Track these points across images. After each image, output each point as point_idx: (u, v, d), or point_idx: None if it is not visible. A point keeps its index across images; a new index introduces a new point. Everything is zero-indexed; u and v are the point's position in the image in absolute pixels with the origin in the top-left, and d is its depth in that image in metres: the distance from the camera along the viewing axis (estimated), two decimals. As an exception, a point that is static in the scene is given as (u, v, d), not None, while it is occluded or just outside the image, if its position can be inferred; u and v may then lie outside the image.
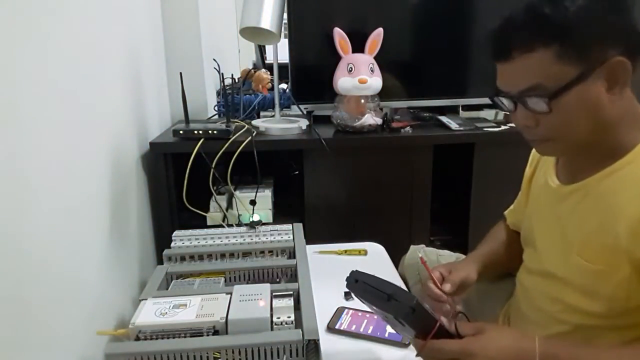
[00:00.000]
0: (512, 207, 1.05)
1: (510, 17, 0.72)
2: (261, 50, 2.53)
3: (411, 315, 0.65)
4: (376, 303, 0.67)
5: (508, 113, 0.82)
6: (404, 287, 1.08)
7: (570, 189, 0.80)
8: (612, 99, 0.70)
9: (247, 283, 1.03)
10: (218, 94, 1.97)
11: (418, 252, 1.18)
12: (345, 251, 1.28)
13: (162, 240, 1.36)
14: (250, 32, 1.43)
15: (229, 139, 1.39)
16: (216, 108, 1.87)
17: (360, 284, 0.68)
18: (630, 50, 0.68)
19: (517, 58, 0.71)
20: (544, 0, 0.69)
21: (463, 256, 1.08)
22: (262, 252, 1.11)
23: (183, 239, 1.14)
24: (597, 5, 0.68)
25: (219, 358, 0.76)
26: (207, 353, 0.76)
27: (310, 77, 1.59)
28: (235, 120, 1.60)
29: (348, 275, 0.70)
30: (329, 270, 1.07)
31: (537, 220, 0.90)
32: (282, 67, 1.56)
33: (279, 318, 0.81)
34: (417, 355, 0.70)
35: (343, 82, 1.47)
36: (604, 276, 0.72)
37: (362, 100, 1.50)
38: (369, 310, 0.95)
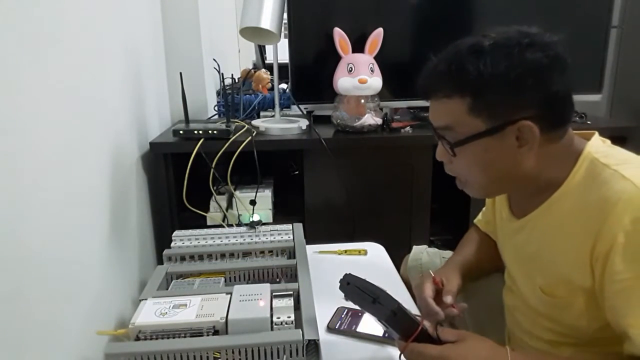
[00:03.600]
0: (480, 218, 1.08)
1: (439, 62, 0.75)
2: (261, 50, 2.53)
3: (392, 318, 0.70)
4: (363, 305, 0.72)
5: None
6: (405, 289, 1.09)
7: (521, 223, 0.83)
8: (525, 155, 0.72)
9: (247, 283, 1.03)
10: (218, 94, 1.97)
11: (421, 253, 1.18)
12: (345, 251, 1.28)
13: (162, 240, 1.37)
14: (250, 32, 1.43)
15: (229, 139, 1.39)
16: (216, 108, 1.87)
17: (351, 287, 0.73)
18: (542, 117, 0.70)
19: (438, 100, 0.76)
20: (469, 55, 0.71)
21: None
22: (262, 252, 1.11)
23: (183, 239, 1.14)
24: (514, 71, 0.69)
25: (219, 358, 0.76)
26: (207, 353, 0.76)
27: (310, 77, 1.59)
28: (235, 120, 1.60)
29: (341, 277, 0.74)
30: (329, 270, 1.07)
31: (503, 248, 0.94)
32: (282, 67, 1.56)
33: (279, 318, 0.81)
34: (400, 356, 0.73)
35: (343, 82, 1.47)
36: (564, 307, 0.76)
37: (362, 100, 1.50)
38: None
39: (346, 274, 0.74)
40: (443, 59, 0.74)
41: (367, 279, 0.73)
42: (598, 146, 0.75)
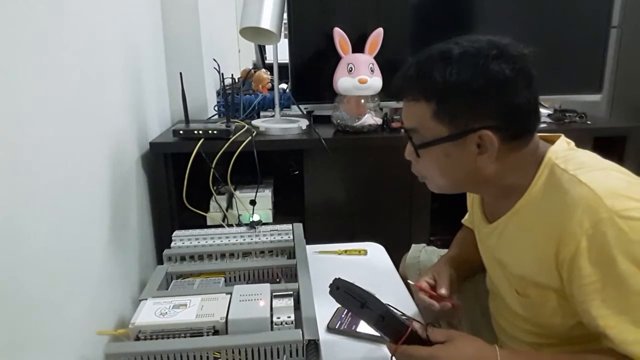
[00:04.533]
0: (467, 218, 1.09)
1: (410, 65, 0.77)
2: (261, 50, 2.53)
3: (381, 322, 0.71)
4: (352, 310, 0.73)
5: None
6: (404, 288, 1.09)
7: (491, 227, 0.85)
8: (485, 162, 0.74)
9: (247, 283, 1.04)
10: (218, 94, 1.97)
11: (419, 251, 1.19)
12: (345, 251, 1.28)
13: (162, 240, 1.37)
14: (250, 32, 1.43)
15: (229, 139, 1.39)
16: (216, 108, 1.87)
17: (340, 292, 0.73)
18: (503, 128, 0.72)
19: (407, 102, 0.79)
20: (438, 61, 0.73)
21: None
22: (262, 252, 1.11)
23: (183, 239, 1.14)
24: (477, 82, 0.70)
25: (219, 358, 0.76)
26: (207, 353, 0.76)
27: (310, 77, 1.59)
28: (235, 120, 1.60)
29: (331, 282, 0.75)
30: (329, 270, 1.07)
31: (480, 250, 0.95)
32: (282, 67, 1.56)
33: (279, 318, 0.81)
34: (391, 359, 0.74)
35: (343, 82, 1.47)
36: (538, 306, 0.77)
37: (362, 100, 1.50)
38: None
39: (335, 279, 0.75)
40: (415, 63, 0.77)
41: (367, 281, 0.74)
42: (559, 151, 0.76)
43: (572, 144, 0.79)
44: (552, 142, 0.78)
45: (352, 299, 0.72)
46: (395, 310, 0.73)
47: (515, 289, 0.81)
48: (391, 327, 0.71)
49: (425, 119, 0.75)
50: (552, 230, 0.70)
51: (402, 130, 0.81)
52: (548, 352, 0.81)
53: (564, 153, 0.75)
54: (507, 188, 0.77)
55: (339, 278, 0.75)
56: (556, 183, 0.71)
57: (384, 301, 0.73)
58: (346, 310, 0.98)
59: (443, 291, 0.90)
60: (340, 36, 1.49)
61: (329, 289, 0.74)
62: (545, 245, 0.71)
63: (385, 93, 1.54)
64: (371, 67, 1.48)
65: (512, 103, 0.71)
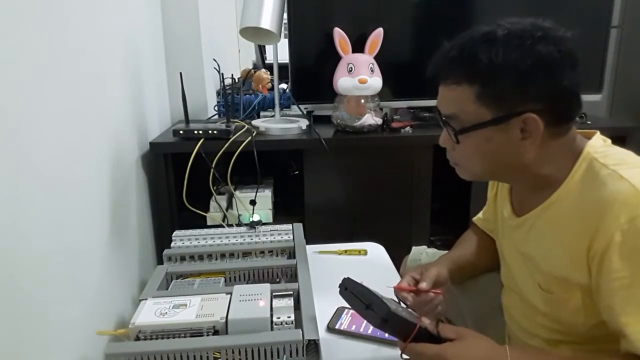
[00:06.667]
0: (481, 216, 1.08)
1: (451, 47, 0.75)
2: (261, 50, 2.53)
3: (384, 324, 0.70)
4: (358, 311, 0.73)
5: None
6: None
7: (519, 221, 0.84)
8: (528, 148, 0.73)
9: (247, 283, 1.04)
10: (218, 94, 1.97)
11: (420, 253, 1.18)
12: (345, 251, 1.28)
13: (162, 240, 1.37)
14: (250, 32, 1.43)
15: (229, 139, 1.39)
16: (216, 108, 1.87)
17: (347, 292, 0.73)
18: (549, 110, 0.71)
19: (447, 86, 0.76)
20: (481, 42, 0.71)
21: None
22: (262, 252, 1.11)
23: (183, 239, 1.14)
24: (525, 63, 0.69)
25: (219, 358, 0.76)
26: (207, 353, 0.76)
27: (310, 77, 1.59)
28: (235, 120, 1.60)
29: (340, 282, 0.75)
30: (329, 270, 1.07)
31: (502, 245, 0.94)
32: (282, 67, 1.56)
33: (279, 318, 0.81)
34: (401, 355, 0.74)
35: (343, 82, 1.47)
36: (561, 304, 0.77)
37: (362, 100, 1.50)
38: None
39: (344, 279, 0.75)
40: (456, 45, 0.74)
41: (367, 281, 0.73)
42: (598, 146, 0.75)
43: (609, 141, 0.78)
44: (588, 137, 0.77)
45: (358, 300, 0.72)
46: (404, 308, 0.73)
47: (539, 284, 0.79)
48: (396, 327, 0.71)
49: (467, 103, 0.73)
50: (587, 223, 0.69)
51: (439, 117, 0.79)
52: (559, 351, 0.80)
53: (602, 148, 0.75)
54: (543, 179, 0.76)
55: (348, 278, 0.74)
56: (594, 177, 0.70)
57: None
58: (346, 310, 0.98)
59: (423, 285, 0.88)
60: (340, 36, 1.49)
61: (338, 288, 0.74)
62: (579, 239, 0.70)
63: (386, 93, 1.54)
64: (371, 67, 1.48)
65: (558, 85, 0.70)
